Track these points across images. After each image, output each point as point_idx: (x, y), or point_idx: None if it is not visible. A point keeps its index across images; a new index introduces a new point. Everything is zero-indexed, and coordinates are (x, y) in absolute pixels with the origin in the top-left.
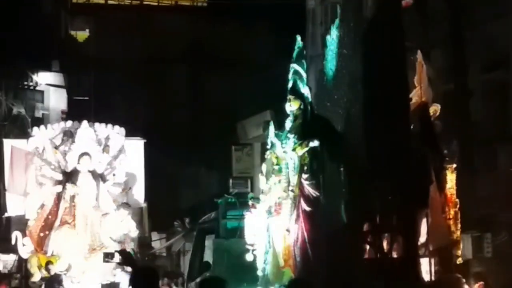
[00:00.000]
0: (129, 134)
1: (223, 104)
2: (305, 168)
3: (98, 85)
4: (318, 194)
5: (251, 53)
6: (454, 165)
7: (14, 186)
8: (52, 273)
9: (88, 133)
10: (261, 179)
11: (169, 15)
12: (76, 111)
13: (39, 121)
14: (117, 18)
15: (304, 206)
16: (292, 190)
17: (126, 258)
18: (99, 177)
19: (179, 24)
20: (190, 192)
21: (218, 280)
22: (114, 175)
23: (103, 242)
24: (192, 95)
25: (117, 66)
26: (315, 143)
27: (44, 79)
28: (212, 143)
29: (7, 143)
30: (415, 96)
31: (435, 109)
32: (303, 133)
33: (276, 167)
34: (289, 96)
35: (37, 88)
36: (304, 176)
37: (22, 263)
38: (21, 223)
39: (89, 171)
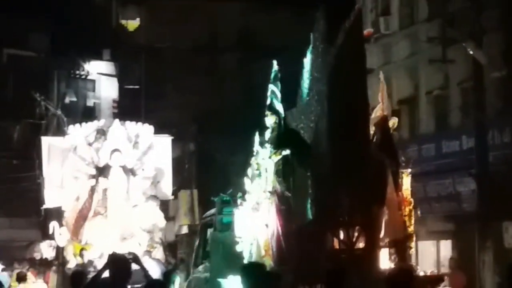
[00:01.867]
0: (179, 122)
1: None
2: (279, 173)
3: (148, 74)
4: (289, 194)
5: (302, 41)
6: (409, 170)
7: (51, 180)
8: (86, 259)
9: (119, 130)
10: (247, 181)
11: (220, 2)
12: (127, 100)
13: (91, 110)
14: (168, 6)
15: (278, 204)
16: (269, 191)
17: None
18: (129, 172)
19: (230, 11)
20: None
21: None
22: (143, 169)
23: (133, 231)
24: (243, 83)
25: (167, 54)
26: (287, 152)
27: (95, 68)
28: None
29: (45, 140)
30: (379, 110)
31: (393, 122)
32: (277, 143)
33: (257, 172)
34: (267, 112)
35: (89, 77)
36: (278, 179)
37: (59, 251)
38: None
39: (120, 166)
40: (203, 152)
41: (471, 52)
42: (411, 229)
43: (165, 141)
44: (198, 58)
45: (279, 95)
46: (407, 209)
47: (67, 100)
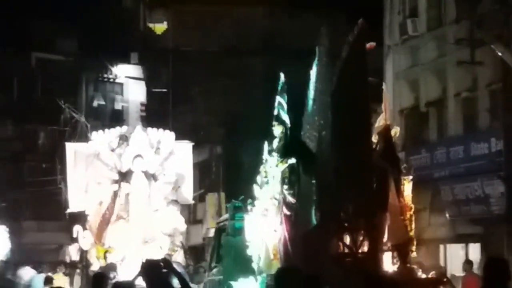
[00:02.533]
0: (207, 125)
1: (299, 96)
2: (285, 180)
3: (176, 77)
4: (295, 201)
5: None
6: (410, 177)
7: (76, 185)
8: (109, 261)
9: (141, 137)
10: (256, 188)
11: (247, 6)
12: (154, 104)
13: (119, 114)
14: (195, 10)
15: (285, 210)
16: (276, 198)
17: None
18: (151, 177)
19: (257, 15)
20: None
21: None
22: (164, 175)
23: (154, 235)
24: (269, 87)
25: (195, 58)
26: (292, 160)
27: (123, 71)
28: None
29: (70, 146)
30: (382, 119)
31: (395, 131)
32: (283, 152)
33: (265, 179)
34: (274, 122)
35: (117, 80)
36: (285, 186)
37: (83, 254)
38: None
39: (142, 171)
40: (231, 155)
41: (499, 54)
42: (412, 233)
43: (186, 147)
44: (225, 61)
45: (285, 106)
46: (408, 215)
47: (95, 103)
